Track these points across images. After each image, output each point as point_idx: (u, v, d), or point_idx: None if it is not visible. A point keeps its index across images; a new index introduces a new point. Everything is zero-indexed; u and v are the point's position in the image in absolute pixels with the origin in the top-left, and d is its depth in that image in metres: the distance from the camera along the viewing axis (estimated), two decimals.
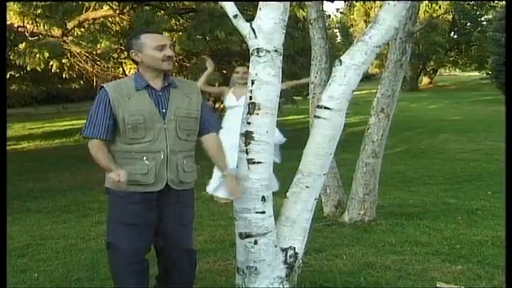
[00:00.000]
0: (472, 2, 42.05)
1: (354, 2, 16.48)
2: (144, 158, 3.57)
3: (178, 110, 3.65)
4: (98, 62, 12.97)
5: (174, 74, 15.40)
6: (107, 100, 3.57)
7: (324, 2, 8.04)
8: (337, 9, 50.12)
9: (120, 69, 14.79)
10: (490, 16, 40.05)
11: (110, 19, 12.16)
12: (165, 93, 3.69)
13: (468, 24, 43.76)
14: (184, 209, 3.80)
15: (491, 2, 38.53)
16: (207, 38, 12.03)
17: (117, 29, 12.39)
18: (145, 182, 3.60)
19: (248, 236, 3.80)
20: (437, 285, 4.57)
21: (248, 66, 7.34)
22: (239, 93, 7.35)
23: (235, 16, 3.66)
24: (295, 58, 13.35)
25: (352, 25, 48.43)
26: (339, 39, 49.52)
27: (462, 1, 39.10)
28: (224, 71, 14.53)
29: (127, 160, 3.60)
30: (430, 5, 37.64)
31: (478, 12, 43.32)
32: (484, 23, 42.88)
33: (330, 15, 22.14)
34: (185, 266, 3.86)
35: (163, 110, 3.63)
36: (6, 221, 4.17)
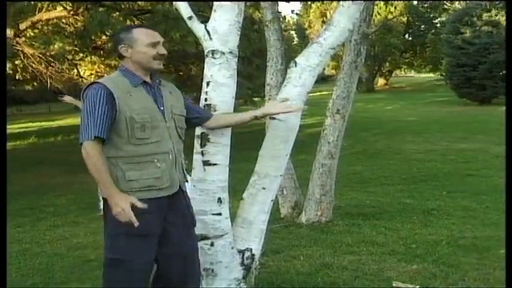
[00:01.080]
0: (426, 5, 42.71)
1: (310, 3, 16.56)
2: (155, 160, 3.32)
3: (173, 108, 3.46)
4: (52, 64, 12.79)
5: None
6: (109, 97, 3.24)
7: (280, 3, 8.07)
8: (292, 11, 49.93)
9: (75, 70, 14.63)
10: (444, 18, 40.66)
11: (63, 20, 12.01)
12: (158, 90, 3.47)
13: (422, 26, 44.35)
14: (192, 209, 3.60)
15: (444, 5, 39.23)
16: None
17: (71, 30, 12.25)
18: (159, 187, 3.35)
19: (205, 238, 3.78)
20: (394, 284, 4.61)
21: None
22: None
23: (190, 18, 3.64)
24: (251, 59, 13.38)
25: (310, 26, 48.62)
26: (295, 40, 49.76)
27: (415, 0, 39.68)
28: (180, 73, 14.49)
29: (134, 165, 3.30)
30: (385, 7, 38.09)
31: (431, 15, 43.93)
32: (438, 25, 43.50)
33: (285, 17, 22.13)
34: (188, 271, 3.57)
35: (162, 108, 3.40)
36: (6, 222, 4.08)
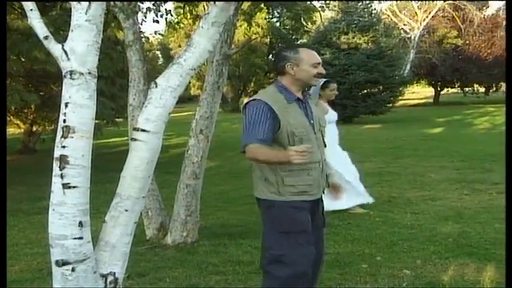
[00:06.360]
0: (288, 27, 43.88)
1: (175, 24, 16.56)
2: (308, 169, 3.81)
3: (320, 120, 4.00)
4: None
5: None
6: (271, 113, 3.73)
7: (142, 24, 8.06)
8: (156, 32, 49.70)
9: None
10: (305, 40, 41.87)
11: None
12: (307, 105, 3.97)
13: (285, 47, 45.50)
14: (324, 210, 4.16)
15: (305, 27, 40.48)
16: (22, 58, 11.58)
17: None
18: (310, 192, 3.85)
19: (65, 263, 3.66)
20: None
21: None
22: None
23: (46, 37, 3.54)
24: (115, 80, 13.20)
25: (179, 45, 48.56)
26: (160, 61, 49.62)
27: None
28: (41, 93, 14.05)
29: (291, 172, 3.77)
30: (248, 28, 38.76)
31: (294, 36, 45.15)
32: (297, 44, 44.74)
33: (148, 38, 21.99)
34: (315, 271, 4.08)
35: (312, 122, 3.91)
36: (6, 222, 3.84)
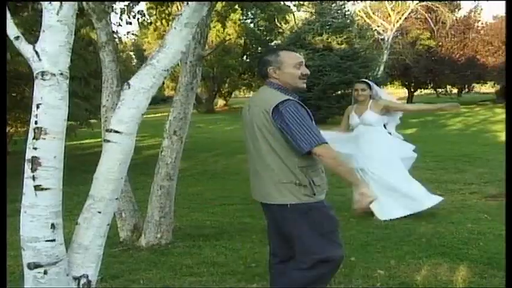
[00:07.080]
0: (262, 28, 43.88)
1: (148, 25, 16.46)
2: (322, 168, 3.87)
3: None
4: None
5: None
6: (308, 112, 3.79)
7: (119, 25, 8.02)
8: (128, 33, 49.63)
9: None
10: (279, 41, 41.92)
11: None
12: None
13: (259, 48, 45.47)
14: None
15: (279, 29, 40.53)
16: None
17: None
18: (326, 190, 3.93)
19: (37, 266, 3.62)
20: None
21: (365, 82, 7.80)
22: (360, 110, 7.77)
23: (17, 38, 3.50)
24: (89, 80, 13.09)
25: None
26: (134, 61, 49.38)
27: None
28: (14, 94, 13.90)
29: (316, 172, 3.81)
30: (222, 29, 38.73)
31: (268, 38, 45.15)
32: (275, 47, 44.73)
33: (120, 38, 21.87)
34: None
35: None
36: (6, 222, 3.96)
